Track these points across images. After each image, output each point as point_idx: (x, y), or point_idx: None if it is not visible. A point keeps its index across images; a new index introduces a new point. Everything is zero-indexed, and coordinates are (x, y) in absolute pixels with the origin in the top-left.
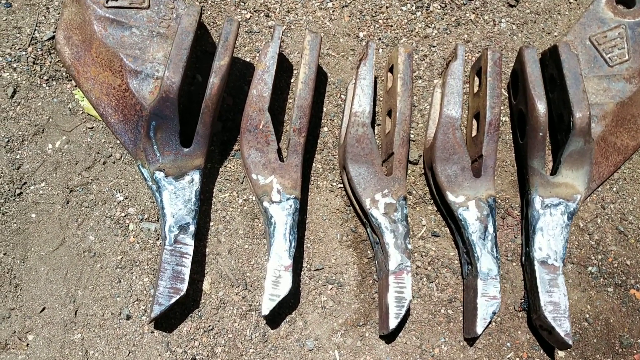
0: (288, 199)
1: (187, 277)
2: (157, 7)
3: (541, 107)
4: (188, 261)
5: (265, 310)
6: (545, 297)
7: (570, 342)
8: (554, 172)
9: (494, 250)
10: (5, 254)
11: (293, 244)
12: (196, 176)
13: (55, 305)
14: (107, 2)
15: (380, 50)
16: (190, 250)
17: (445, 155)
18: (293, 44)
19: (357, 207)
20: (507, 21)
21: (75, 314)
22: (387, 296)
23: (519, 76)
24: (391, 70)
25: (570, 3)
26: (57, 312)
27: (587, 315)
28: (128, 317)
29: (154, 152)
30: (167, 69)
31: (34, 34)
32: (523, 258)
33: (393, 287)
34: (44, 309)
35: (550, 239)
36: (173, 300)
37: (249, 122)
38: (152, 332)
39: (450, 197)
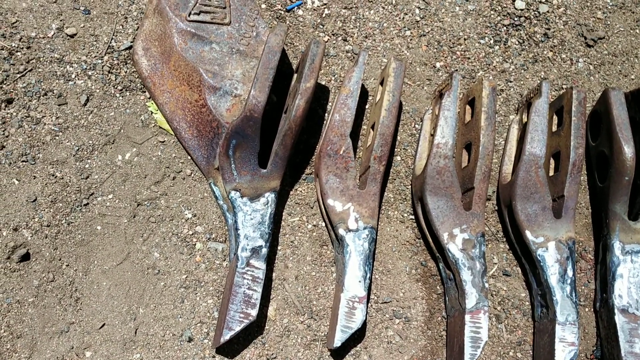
0: (365, 227)
1: (258, 302)
2: (238, 24)
3: (629, 150)
4: (259, 286)
5: (338, 342)
6: (626, 346)
7: None
8: (634, 217)
9: (573, 294)
10: (67, 265)
11: (368, 275)
12: (271, 198)
13: (116, 322)
14: (189, 16)
15: None
16: (261, 274)
17: (526, 194)
18: (369, 70)
19: (430, 240)
20: (585, 61)
21: (136, 332)
22: (463, 335)
23: (602, 118)
24: (470, 103)
25: None
26: (117, 329)
27: None
28: (190, 340)
29: (231, 171)
30: (252, 87)
31: (110, 42)
32: (598, 304)
33: (469, 327)
34: (103, 325)
35: (630, 286)
36: (243, 325)
37: (329, 147)
38: (214, 357)
39: (530, 236)
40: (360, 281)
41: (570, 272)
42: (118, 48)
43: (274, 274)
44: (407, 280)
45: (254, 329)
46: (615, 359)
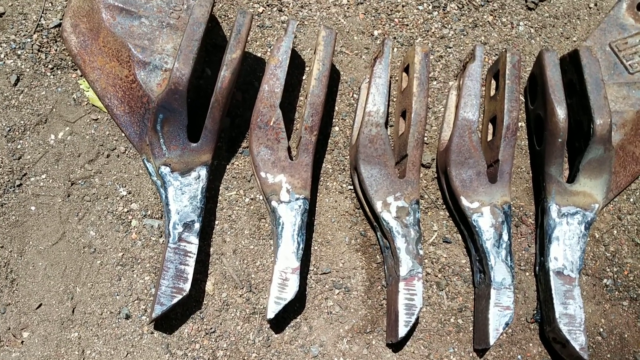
0: (297, 199)
1: (190, 276)
2: None
3: (561, 112)
4: (192, 260)
5: (271, 314)
6: (560, 308)
7: (586, 357)
8: (571, 180)
9: (509, 259)
10: (2, 247)
11: (301, 245)
12: (203, 172)
13: (53, 302)
14: None
15: (395, 49)
16: (194, 249)
17: (460, 159)
18: (306, 40)
19: (367, 209)
20: (525, 24)
21: (73, 311)
22: (397, 303)
23: (538, 80)
24: (406, 70)
25: (590, 8)
26: (54, 309)
27: (601, 329)
28: (127, 317)
29: (160, 146)
30: (176, 60)
31: (39, 20)
32: (537, 268)
33: (403, 294)
34: (40, 305)
35: (566, 248)
36: (175, 300)
37: (259, 118)
38: (152, 333)
39: (465, 202)
40: (293, 252)
41: (505, 237)
42: (47, 26)
43: (211, 249)
44: (346, 250)
45: (192, 304)
46: (551, 321)
